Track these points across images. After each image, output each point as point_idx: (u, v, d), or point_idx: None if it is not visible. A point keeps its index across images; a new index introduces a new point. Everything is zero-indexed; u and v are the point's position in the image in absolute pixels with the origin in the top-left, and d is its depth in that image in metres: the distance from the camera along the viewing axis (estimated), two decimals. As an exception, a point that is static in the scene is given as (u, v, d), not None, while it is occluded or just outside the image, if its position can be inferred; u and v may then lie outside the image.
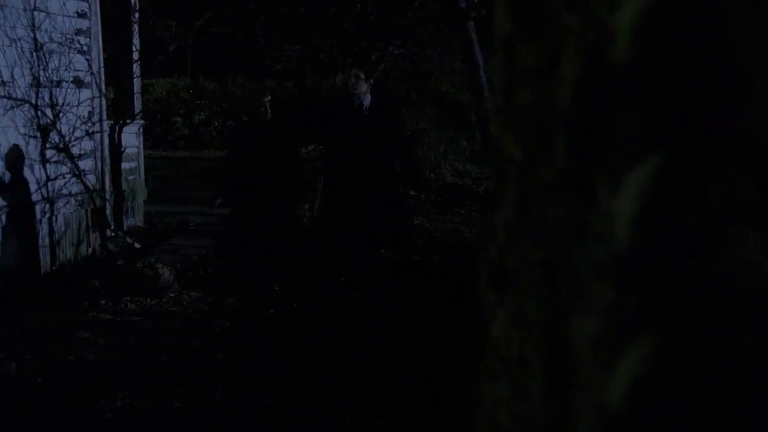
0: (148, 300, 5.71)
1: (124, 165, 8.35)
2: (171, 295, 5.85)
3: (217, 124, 19.87)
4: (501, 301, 0.81)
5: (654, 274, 0.54)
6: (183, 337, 5.00)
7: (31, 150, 6.71)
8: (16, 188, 6.44)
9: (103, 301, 5.60)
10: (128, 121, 8.38)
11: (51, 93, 6.92)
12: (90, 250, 7.34)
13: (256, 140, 6.32)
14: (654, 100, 0.53)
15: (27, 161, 6.63)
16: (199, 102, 19.96)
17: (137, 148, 8.83)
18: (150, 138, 17.10)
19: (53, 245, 6.87)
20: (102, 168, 7.66)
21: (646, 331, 0.55)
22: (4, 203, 6.28)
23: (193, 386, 4.16)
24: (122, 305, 5.61)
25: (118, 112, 8.58)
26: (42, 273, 6.63)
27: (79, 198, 7.28)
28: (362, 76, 6.30)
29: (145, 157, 9.33)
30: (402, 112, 7.30)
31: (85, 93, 7.39)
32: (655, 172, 0.52)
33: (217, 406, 3.94)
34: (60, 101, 7.00)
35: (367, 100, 6.27)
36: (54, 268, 6.80)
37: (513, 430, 0.77)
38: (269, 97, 6.56)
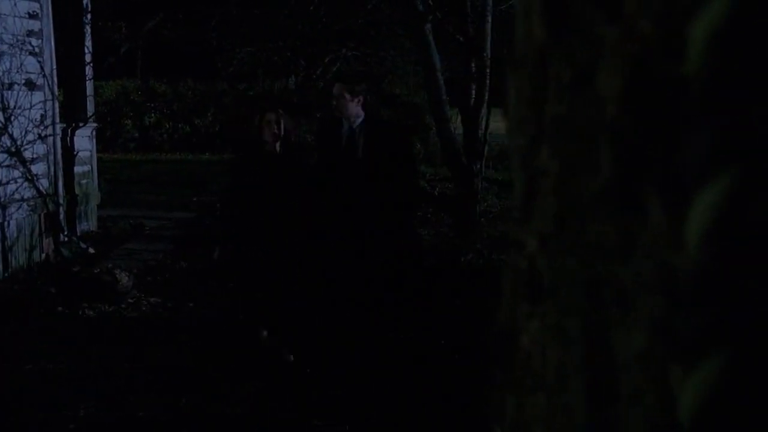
0: (107, 306, 5.62)
1: (77, 169, 8.21)
2: (130, 301, 5.76)
3: (168, 126, 19.65)
4: (532, 313, 0.80)
5: (724, 292, 0.54)
6: (144, 345, 4.92)
7: (-18, 154, 6.56)
8: (-33, 193, 6.29)
9: (60, 308, 5.49)
10: (81, 124, 8.24)
11: (2, 96, 6.77)
12: (43, 255, 7.19)
13: (260, 180, 4.60)
14: (727, 113, 0.53)
15: (-22, 166, 6.48)
16: (149, 104, 19.72)
17: (90, 151, 8.69)
18: (100, 141, 16.84)
19: (5, 251, 6.72)
20: (55, 172, 7.52)
21: (714, 349, 0.54)
22: (-45, 209, 6.12)
23: (157, 395, 4.10)
24: (80, 312, 5.51)
25: (71, 114, 8.42)
26: (-6, 280, 6.47)
27: (31, 203, 7.13)
28: (346, 94, 4.54)
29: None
30: (410, 139, 5.63)
31: (38, 96, 7.24)
32: (729, 188, 0.52)
33: (183, 415, 3.89)
34: (11, 104, 6.85)
35: (360, 123, 4.56)
36: (6, 275, 6.65)
37: (553, 446, 0.76)
38: (276, 118, 4.67)
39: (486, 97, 7.62)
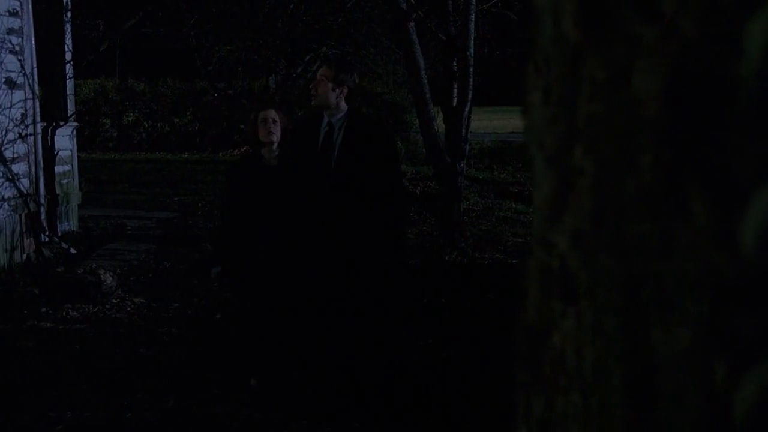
0: (91, 307, 5.58)
1: (58, 168, 8.14)
2: (114, 301, 5.72)
3: (147, 125, 19.53)
4: (566, 312, 0.80)
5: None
6: (130, 345, 4.89)
7: (-37, 154, 6.48)
8: (-52, 193, 6.22)
9: (43, 309, 5.45)
10: (61, 123, 8.17)
11: (-18, 95, 6.70)
12: (24, 256, 7.12)
13: (258, 186, 4.20)
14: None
15: (-42, 165, 6.40)
16: (128, 103, 19.59)
17: (71, 150, 8.62)
18: (78, 140, 16.72)
19: (-14, 252, 6.65)
20: (36, 171, 7.45)
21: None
22: (-65, 209, 6.05)
23: (144, 395, 4.07)
24: (64, 313, 5.46)
25: (51, 114, 8.35)
26: (-25, 281, 6.40)
27: (12, 203, 7.06)
28: (330, 82, 3.97)
29: (77, 159, 9.11)
30: (393, 137, 4.73)
31: (18, 94, 7.18)
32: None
33: (171, 415, 3.87)
34: (-9, 103, 6.78)
35: (340, 117, 4.01)
36: (-13, 275, 6.58)
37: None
38: (272, 117, 4.25)
39: (470, 97, 7.63)
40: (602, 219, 0.74)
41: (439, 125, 8.12)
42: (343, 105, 4.01)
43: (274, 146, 4.17)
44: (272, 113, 4.23)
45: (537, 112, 0.89)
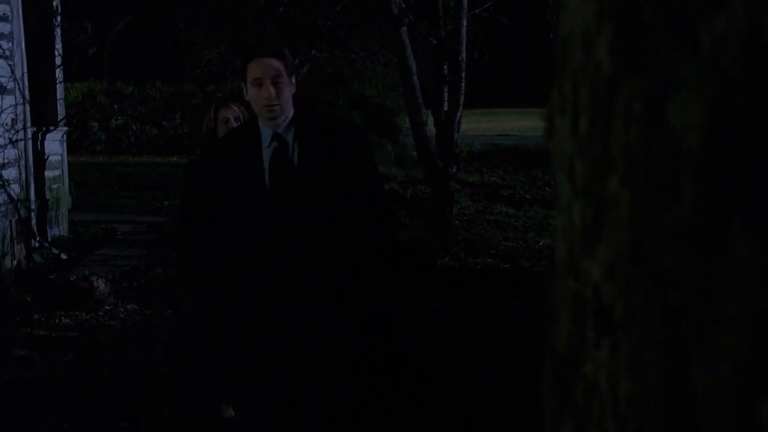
0: (83, 314, 5.55)
1: (48, 173, 8.11)
2: (106, 308, 5.70)
3: (135, 128, 19.47)
4: (600, 342, 0.80)
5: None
6: (123, 352, 4.87)
7: (-47, 159, 6.44)
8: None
9: (36, 316, 5.42)
10: (51, 128, 8.13)
11: (-28, 100, 6.66)
12: (15, 262, 7.08)
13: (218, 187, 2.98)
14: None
15: (-52, 171, 6.37)
16: (116, 106, 19.53)
17: (61, 155, 8.58)
18: (67, 143, 16.64)
19: (-24, 258, 6.61)
20: (26, 177, 7.41)
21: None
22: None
23: (140, 404, 4.06)
24: (57, 320, 5.44)
25: (41, 118, 8.31)
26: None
27: (2, 208, 7.02)
28: (285, 73, 2.79)
29: (66, 164, 9.07)
30: (369, 143, 3.32)
31: (8, 100, 7.14)
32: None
33: (168, 424, 3.85)
34: (-18, 108, 6.74)
35: (288, 124, 2.80)
36: (-23, 282, 6.53)
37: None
38: (237, 119, 3.47)
39: (461, 101, 7.64)
40: (639, 251, 0.74)
41: (430, 129, 8.12)
42: (291, 104, 2.83)
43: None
44: (235, 111, 3.49)
45: (564, 138, 0.89)
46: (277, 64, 2.78)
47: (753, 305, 0.64)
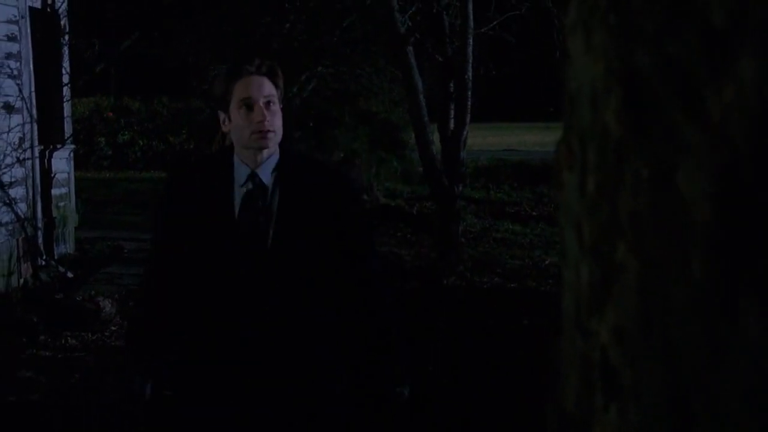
0: (90, 334, 5.55)
1: (55, 191, 8.13)
2: (113, 328, 5.70)
3: (142, 144, 19.53)
4: (608, 406, 0.79)
5: None
6: (130, 374, 4.86)
7: (-39, 179, 6.47)
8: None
9: (42, 337, 5.41)
10: (59, 146, 8.16)
11: (-20, 119, 6.69)
12: (21, 281, 7.09)
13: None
14: None
15: (-44, 191, 6.39)
16: (122, 120, 19.61)
17: (68, 173, 8.61)
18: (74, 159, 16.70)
19: (-17, 277, 6.63)
20: (33, 195, 7.44)
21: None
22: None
23: (148, 429, 4.04)
24: (63, 341, 5.44)
25: (48, 136, 8.33)
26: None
27: (9, 227, 7.04)
28: (276, 93, 2.37)
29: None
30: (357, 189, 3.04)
31: (16, 119, 7.17)
32: None
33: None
34: (-11, 128, 6.77)
35: (269, 164, 2.35)
36: (-16, 301, 6.54)
37: None
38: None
39: (468, 120, 7.65)
40: (648, 319, 0.73)
41: (436, 146, 8.13)
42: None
43: None
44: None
45: (572, 194, 0.88)
46: (269, 85, 2.32)
47: (764, 381, 0.63)
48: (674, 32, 0.74)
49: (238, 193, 2.33)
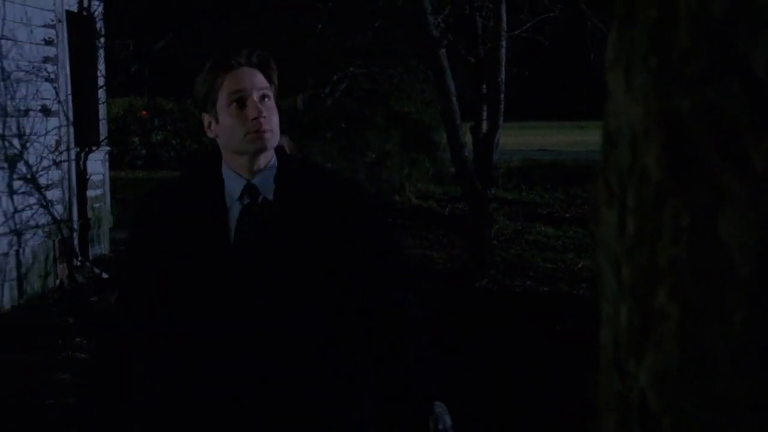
0: (124, 336, 5.60)
1: (90, 192, 8.23)
2: (147, 330, 5.74)
3: (175, 143, 19.71)
4: (646, 450, 0.79)
5: None
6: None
7: (-1, 181, 6.58)
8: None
9: (77, 339, 5.48)
10: (94, 148, 8.26)
11: (18, 122, 6.79)
12: (57, 282, 7.19)
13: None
14: None
15: (-6, 193, 6.49)
16: (156, 119, 19.80)
17: (103, 175, 8.71)
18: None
19: (20, 278, 6.72)
20: (69, 197, 7.53)
21: None
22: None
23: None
24: (98, 343, 5.49)
25: (83, 138, 8.44)
26: (8, 308, 6.47)
27: (46, 229, 7.14)
28: (270, 93, 1.96)
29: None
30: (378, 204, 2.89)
31: (53, 121, 7.27)
32: None
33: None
34: (27, 131, 6.88)
35: (269, 172, 1.96)
36: (21, 302, 6.64)
37: None
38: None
39: (500, 122, 7.62)
40: (688, 366, 0.73)
41: (468, 147, 8.10)
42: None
43: None
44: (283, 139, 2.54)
45: (610, 233, 0.87)
46: (262, 78, 1.94)
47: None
48: (716, 79, 0.73)
49: (233, 211, 1.92)
